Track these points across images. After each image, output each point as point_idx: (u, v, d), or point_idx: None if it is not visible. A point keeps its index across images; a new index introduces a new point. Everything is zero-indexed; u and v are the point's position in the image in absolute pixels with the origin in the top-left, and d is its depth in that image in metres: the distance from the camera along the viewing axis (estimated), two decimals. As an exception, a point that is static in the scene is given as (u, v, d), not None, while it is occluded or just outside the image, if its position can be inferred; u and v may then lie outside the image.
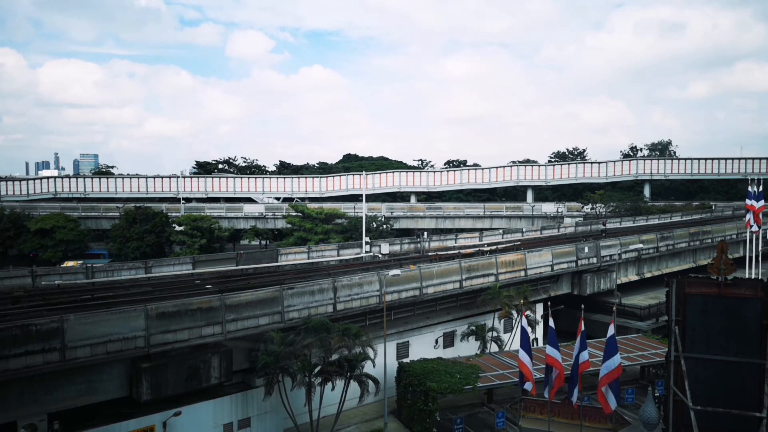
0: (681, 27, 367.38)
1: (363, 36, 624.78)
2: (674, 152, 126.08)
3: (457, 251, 44.51)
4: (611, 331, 22.77)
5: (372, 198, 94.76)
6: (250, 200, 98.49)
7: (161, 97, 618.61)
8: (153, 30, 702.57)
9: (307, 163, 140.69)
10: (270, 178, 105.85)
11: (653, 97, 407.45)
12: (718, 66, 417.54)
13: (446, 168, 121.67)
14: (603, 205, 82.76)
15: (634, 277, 50.32)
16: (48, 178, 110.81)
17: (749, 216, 42.14)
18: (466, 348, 35.77)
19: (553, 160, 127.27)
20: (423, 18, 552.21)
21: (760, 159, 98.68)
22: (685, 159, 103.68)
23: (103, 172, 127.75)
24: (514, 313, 34.77)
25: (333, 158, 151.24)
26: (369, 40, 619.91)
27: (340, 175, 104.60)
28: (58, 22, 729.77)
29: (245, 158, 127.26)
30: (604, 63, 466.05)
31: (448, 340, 36.10)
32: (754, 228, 42.18)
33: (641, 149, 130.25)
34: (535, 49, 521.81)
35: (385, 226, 75.99)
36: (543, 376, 25.39)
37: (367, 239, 47.54)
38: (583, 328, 23.93)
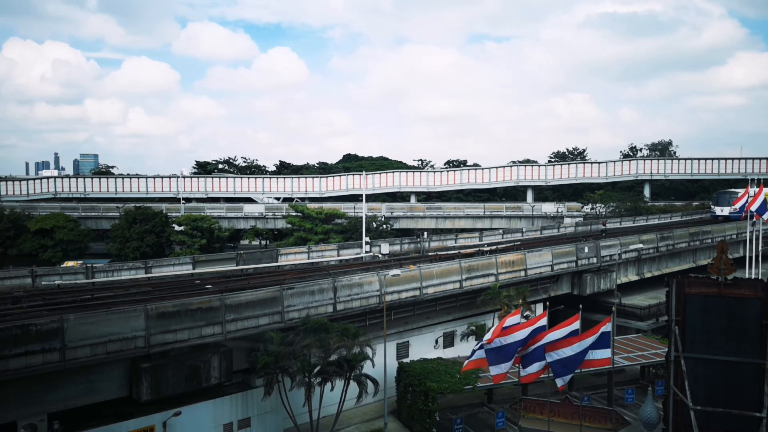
0: (678, 24, 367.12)
1: (351, 33, 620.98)
2: (674, 152, 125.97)
3: (457, 251, 44.50)
4: (608, 327, 22.57)
5: (372, 198, 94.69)
6: (250, 200, 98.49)
7: (157, 97, 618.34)
8: (145, 27, 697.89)
9: (307, 163, 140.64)
10: (270, 178, 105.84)
11: (653, 96, 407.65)
12: (717, 65, 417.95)
13: (446, 168, 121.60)
14: (603, 205, 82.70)
15: (634, 277, 50.29)
16: (48, 178, 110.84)
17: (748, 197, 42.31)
18: (466, 348, 35.59)
19: (553, 160, 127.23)
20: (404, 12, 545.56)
21: (760, 159, 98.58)
22: (685, 159, 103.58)
23: (103, 172, 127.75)
24: (514, 313, 34.75)
25: (333, 158, 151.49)
26: (359, 36, 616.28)
27: (340, 175, 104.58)
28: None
29: (245, 158, 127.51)
30: (603, 62, 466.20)
31: (448, 340, 36.11)
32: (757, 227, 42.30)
33: (641, 149, 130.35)
34: (526, 45, 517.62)
35: (385, 226, 75.99)
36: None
37: (367, 239, 47.55)
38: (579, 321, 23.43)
